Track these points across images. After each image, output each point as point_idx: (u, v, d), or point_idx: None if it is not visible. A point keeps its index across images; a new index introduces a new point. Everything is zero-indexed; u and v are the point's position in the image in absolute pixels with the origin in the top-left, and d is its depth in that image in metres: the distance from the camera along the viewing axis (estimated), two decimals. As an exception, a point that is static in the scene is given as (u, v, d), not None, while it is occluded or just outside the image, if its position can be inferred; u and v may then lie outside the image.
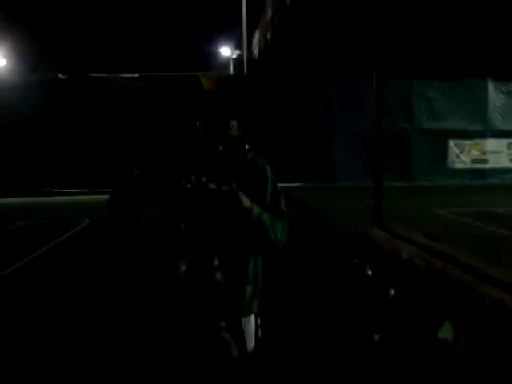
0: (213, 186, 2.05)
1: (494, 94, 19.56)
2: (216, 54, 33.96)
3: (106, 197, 2.27)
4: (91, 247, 8.90)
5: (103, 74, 18.69)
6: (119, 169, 14.70)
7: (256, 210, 2.16)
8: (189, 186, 2.04)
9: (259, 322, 2.44)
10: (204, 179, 2.07)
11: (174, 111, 16.37)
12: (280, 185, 2.40)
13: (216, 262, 2.28)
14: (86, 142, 17.35)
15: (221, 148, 2.22)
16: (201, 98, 2.29)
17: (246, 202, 2.12)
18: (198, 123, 2.25)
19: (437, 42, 22.34)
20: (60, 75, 18.32)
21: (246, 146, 2.41)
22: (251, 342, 2.39)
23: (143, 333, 4.45)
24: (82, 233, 10.32)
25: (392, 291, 3.09)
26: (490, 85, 19.51)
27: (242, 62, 24.12)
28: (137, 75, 18.56)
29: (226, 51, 32.66)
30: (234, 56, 31.12)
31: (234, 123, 2.22)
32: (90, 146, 17.32)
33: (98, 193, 16.01)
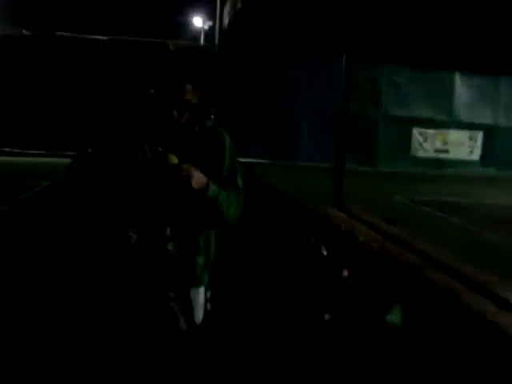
0: (174, 160, 2.00)
1: (460, 86, 19.87)
2: (188, 24, 33.42)
3: (68, 160, 2.23)
4: (48, 210, 8.70)
5: (71, 34, 18.11)
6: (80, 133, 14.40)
7: (211, 190, 2.13)
8: (142, 156, 1.99)
9: (209, 294, 2.42)
10: (159, 149, 2.02)
11: (131, 78, 16.07)
12: (242, 159, 2.35)
13: (168, 232, 2.23)
14: (47, 103, 16.88)
15: (175, 113, 2.15)
16: (157, 63, 2.21)
17: (202, 181, 2.09)
18: (152, 90, 2.19)
19: (409, 31, 22.47)
20: (24, 31, 17.69)
21: (212, 117, 2.36)
22: (199, 314, 2.37)
23: (89, 303, 4.38)
24: (40, 195, 10.07)
25: (345, 272, 3.10)
26: (458, 77, 19.79)
27: (214, 33, 23.83)
28: (106, 38, 18.08)
29: (198, 21, 32.12)
30: (206, 27, 30.63)
31: (189, 87, 2.14)
32: (51, 107, 16.86)
33: (60, 156, 15.70)
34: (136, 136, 2.08)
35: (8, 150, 16.85)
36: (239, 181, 2.34)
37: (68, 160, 2.23)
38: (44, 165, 14.98)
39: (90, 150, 2.15)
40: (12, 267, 5.55)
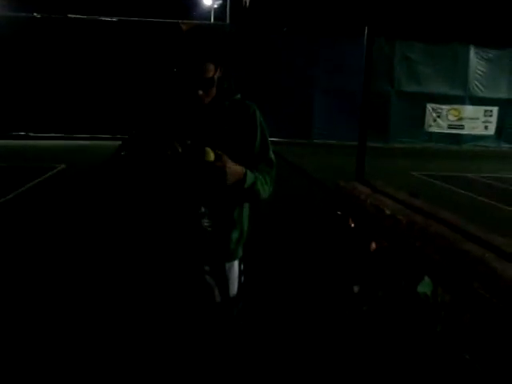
0: (210, 156, 2.02)
1: (475, 60, 19.57)
2: (197, 3, 33.10)
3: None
4: (67, 192, 8.78)
5: (81, 16, 18.03)
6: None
7: (248, 179, 2.17)
8: (171, 153, 2.02)
9: (242, 267, 2.45)
10: (188, 142, 2.04)
11: (151, 58, 16.07)
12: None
13: (203, 209, 2.26)
14: (61, 86, 16.88)
15: (200, 92, 2.15)
16: (176, 43, 2.21)
17: (239, 173, 2.13)
18: (175, 70, 2.20)
19: (422, 4, 22.16)
20: (35, 14, 17.64)
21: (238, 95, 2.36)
22: (234, 287, 2.41)
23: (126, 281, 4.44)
24: (57, 177, 10.14)
25: (373, 244, 3.12)
26: (472, 51, 19.48)
27: (225, 12, 23.65)
28: (115, 19, 18.01)
29: (207, 1, 31.78)
30: (216, 6, 30.33)
31: (210, 65, 2.13)
32: (66, 90, 16.87)
33: (75, 138, 15.83)
34: (164, 127, 2.10)
35: (23, 133, 16.92)
36: (271, 155, 2.36)
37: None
38: (59, 147, 14.99)
39: (123, 152, 2.19)
40: (39, 248, 5.62)
